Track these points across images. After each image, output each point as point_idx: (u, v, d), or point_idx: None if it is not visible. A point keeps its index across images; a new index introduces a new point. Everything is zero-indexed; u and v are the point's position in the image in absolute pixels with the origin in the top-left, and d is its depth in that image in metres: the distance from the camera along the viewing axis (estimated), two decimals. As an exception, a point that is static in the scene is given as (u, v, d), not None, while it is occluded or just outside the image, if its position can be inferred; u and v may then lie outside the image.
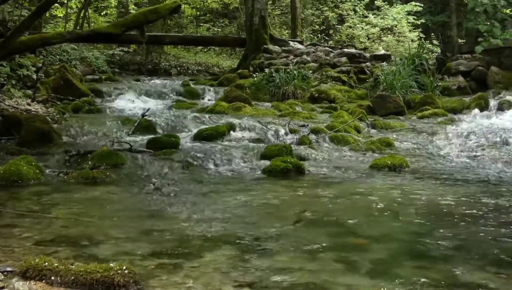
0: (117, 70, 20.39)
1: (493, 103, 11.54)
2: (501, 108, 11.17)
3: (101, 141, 7.81)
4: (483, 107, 11.36)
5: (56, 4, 22.50)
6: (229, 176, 6.26)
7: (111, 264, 2.90)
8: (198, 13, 27.96)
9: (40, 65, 12.15)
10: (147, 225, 4.20)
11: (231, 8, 27.67)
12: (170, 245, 3.69)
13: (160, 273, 3.15)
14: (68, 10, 22.88)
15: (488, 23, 13.39)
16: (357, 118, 9.99)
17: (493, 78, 13.36)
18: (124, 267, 2.86)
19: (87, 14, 21.79)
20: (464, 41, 17.78)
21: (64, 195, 5.22)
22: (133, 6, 23.69)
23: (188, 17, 28.02)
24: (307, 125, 9.06)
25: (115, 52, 21.20)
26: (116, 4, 25.09)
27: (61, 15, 23.25)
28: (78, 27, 20.33)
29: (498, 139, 8.57)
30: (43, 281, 2.80)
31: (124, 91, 13.51)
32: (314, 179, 6.17)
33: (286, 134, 8.60)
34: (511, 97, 11.77)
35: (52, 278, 2.81)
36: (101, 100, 12.40)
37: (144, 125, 8.64)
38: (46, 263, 2.87)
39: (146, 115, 9.03)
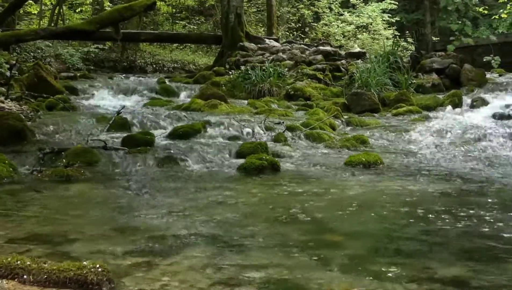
0: (92, 68, 20.25)
1: (466, 100, 11.66)
2: (474, 105, 11.29)
3: (76, 138, 7.77)
4: (457, 104, 11.47)
5: (30, 1, 22.32)
6: (204, 174, 6.26)
7: (85, 262, 2.88)
8: (174, 10, 27.88)
9: (14, 62, 12.02)
10: (122, 223, 4.18)
11: (207, 5, 27.60)
12: (145, 243, 3.68)
13: (134, 271, 3.14)
14: (43, 7, 22.69)
15: (460, 22, 13.51)
16: (333, 115, 10.03)
17: (466, 75, 13.50)
18: (97, 265, 2.84)
19: (61, 11, 21.61)
20: (438, 39, 17.96)
21: (37, 193, 5.18)
22: (108, 3, 23.54)
23: (164, 15, 27.91)
24: (283, 123, 9.08)
25: (90, 50, 21.06)
26: (91, 1, 24.90)
27: (35, 12, 23.05)
28: (52, 24, 20.15)
29: (471, 136, 8.67)
30: (15, 280, 2.77)
31: (99, 88, 13.42)
32: (289, 176, 6.19)
33: (262, 131, 8.61)
34: (484, 95, 11.90)
35: (25, 276, 2.79)
36: (76, 98, 12.30)
37: (119, 122, 8.60)
38: (19, 262, 2.84)
39: (121, 113, 8.99)
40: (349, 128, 9.75)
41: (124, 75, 18.42)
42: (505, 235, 4.04)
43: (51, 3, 22.51)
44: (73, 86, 13.28)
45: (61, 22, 21.39)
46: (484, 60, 12.75)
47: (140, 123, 8.84)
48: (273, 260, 3.42)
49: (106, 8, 21.78)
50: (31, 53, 16.52)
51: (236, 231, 4.02)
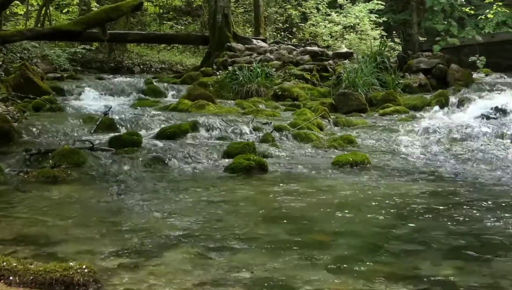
0: (79, 68, 20.16)
1: (453, 100, 11.70)
2: (461, 105, 11.33)
3: (63, 139, 7.73)
4: (444, 104, 11.51)
5: (17, 1, 22.18)
6: (192, 174, 6.25)
7: (71, 263, 2.88)
8: (161, 11, 27.81)
9: (0, 63, 11.96)
10: (109, 224, 4.17)
11: (194, 6, 27.55)
12: (131, 243, 3.68)
13: (120, 271, 3.14)
14: (29, 7, 22.56)
15: (446, 22, 13.57)
16: (320, 115, 10.05)
17: (453, 75, 13.57)
18: (84, 266, 2.84)
19: (48, 11, 21.46)
20: (425, 39, 18.02)
21: (24, 195, 5.16)
22: (95, 4, 23.45)
23: (151, 15, 27.84)
24: (270, 123, 9.07)
25: (77, 50, 20.96)
26: (78, 1, 24.80)
27: (22, 12, 22.91)
28: (39, 25, 20.00)
29: (458, 136, 8.70)
30: (1, 281, 2.76)
31: (86, 89, 13.36)
32: (277, 176, 6.19)
33: (249, 131, 8.61)
34: (470, 95, 11.96)
35: (11, 278, 2.78)
36: (63, 99, 12.24)
37: (106, 123, 8.57)
38: (5, 263, 2.84)
39: (108, 114, 8.96)
40: (336, 128, 9.76)
41: (111, 75, 18.33)
42: (492, 234, 4.07)
43: (38, 4, 22.37)
44: (60, 87, 13.21)
45: (48, 22, 21.25)
46: (470, 60, 12.82)
47: (128, 123, 8.80)
48: (260, 260, 3.43)
49: (93, 8, 21.66)
50: (18, 54, 16.43)
51: (224, 231, 4.03)
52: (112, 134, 7.78)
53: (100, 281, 2.87)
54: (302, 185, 5.68)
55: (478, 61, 12.02)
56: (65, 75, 16.56)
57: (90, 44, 22.29)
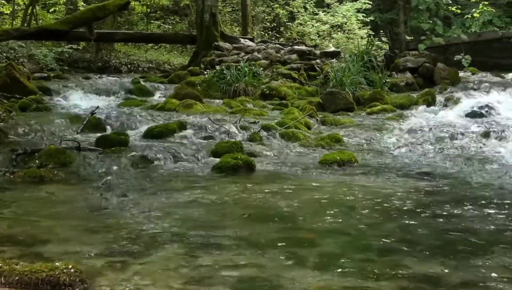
0: (66, 68, 20.04)
1: (440, 99, 11.75)
2: (447, 104, 11.38)
3: (49, 139, 7.70)
4: (430, 103, 11.56)
5: (3, 1, 22.06)
6: (179, 174, 6.24)
7: (57, 263, 2.88)
8: (149, 10, 27.73)
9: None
10: (95, 224, 4.16)
11: (181, 5, 27.48)
12: (118, 243, 3.67)
13: (107, 271, 3.13)
14: (15, 7, 22.43)
15: (431, 21, 13.62)
16: (308, 114, 10.06)
17: (439, 74, 13.62)
18: (70, 266, 2.84)
19: (34, 11, 21.35)
20: (412, 38, 18.09)
21: (10, 195, 5.14)
22: (82, 3, 23.34)
23: (139, 14, 27.75)
24: (258, 122, 9.08)
25: (64, 50, 20.84)
26: (64, 1, 24.68)
27: (8, 12, 22.77)
28: (25, 24, 19.90)
29: (444, 134, 8.75)
30: (-13, 282, 2.76)
31: (73, 89, 13.30)
32: (264, 175, 6.20)
33: (237, 131, 8.60)
34: (457, 93, 12.02)
35: (-4, 278, 2.77)
36: (50, 98, 12.18)
37: (93, 123, 8.54)
38: (-10, 264, 2.83)
39: (95, 113, 8.92)
40: (324, 127, 9.78)
41: (98, 75, 18.22)
42: (477, 231, 4.10)
43: (24, 3, 22.25)
44: (47, 87, 13.13)
45: (34, 22, 21.15)
46: (455, 59, 12.87)
47: (115, 123, 8.79)
48: (247, 259, 3.44)
49: (80, 8, 21.56)
50: (4, 54, 16.32)
51: (211, 230, 4.03)
52: (99, 134, 7.76)
53: (86, 281, 2.86)
54: (289, 184, 5.69)
55: (463, 60, 12.06)
56: (52, 74, 16.46)
57: (77, 44, 22.18)
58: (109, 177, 5.86)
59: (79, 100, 12.20)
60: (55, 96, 12.63)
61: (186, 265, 3.29)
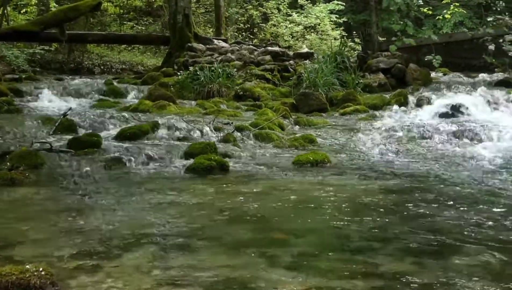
0: (38, 69, 19.83)
1: (412, 99, 11.86)
2: (419, 104, 11.49)
3: (20, 141, 7.61)
4: (402, 103, 11.66)
5: (-27, 2, 21.78)
6: (152, 175, 6.21)
7: (27, 266, 2.85)
8: (122, 11, 27.59)
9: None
10: (67, 226, 4.13)
11: (155, 6, 27.39)
12: (90, 245, 3.65)
13: (79, 273, 3.11)
14: (-14, 7, 22.15)
15: (402, 22, 13.72)
16: (281, 115, 10.08)
17: (411, 75, 13.76)
18: (40, 269, 2.82)
19: (6, 11, 21.12)
20: (385, 39, 18.22)
21: (-20, 198, 5.08)
22: (54, 4, 23.14)
23: (112, 15, 27.60)
24: (232, 123, 9.08)
25: (36, 51, 20.63)
26: (36, 1, 24.45)
27: (-22, 12, 22.49)
28: (-4, 25, 19.69)
29: (416, 134, 8.84)
30: (-44, 286, 2.72)
31: (46, 90, 13.18)
32: (238, 176, 6.20)
33: (210, 132, 8.59)
34: (428, 94, 12.14)
35: (-35, 282, 2.74)
36: (21, 100, 12.06)
37: (65, 124, 8.47)
38: (-41, 267, 2.79)
39: (67, 115, 8.85)
40: (297, 127, 9.82)
41: (71, 76, 18.09)
42: (448, 230, 4.14)
43: (-5, 4, 22.02)
44: (18, 88, 13.00)
45: (6, 23, 20.92)
46: (426, 59, 13.00)
47: (87, 125, 8.72)
48: (220, 260, 3.44)
49: (52, 8, 21.35)
50: (-26, 55, 16.14)
51: (183, 231, 4.02)
52: (71, 136, 7.70)
53: (57, 283, 2.84)
54: (263, 185, 5.70)
55: (434, 60, 12.19)
56: (24, 76, 16.28)
57: (49, 45, 21.96)
58: (81, 179, 5.82)
59: (51, 101, 12.10)
60: (27, 97, 12.51)
61: (159, 267, 3.28)
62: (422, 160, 7.30)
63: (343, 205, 4.90)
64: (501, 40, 11.97)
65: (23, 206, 4.84)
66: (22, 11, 24.74)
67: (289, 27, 24.41)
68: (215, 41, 18.07)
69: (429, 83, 13.48)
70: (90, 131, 8.29)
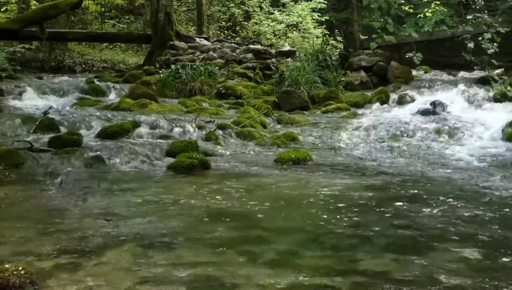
0: (18, 68, 19.67)
1: (393, 97, 11.92)
2: (400, 102, 11.56)
3: (0, 140, 7.55)
4: (384, 101, 11.72)
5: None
6: (134, 174, 6.20)
7: (7, 265, 2.83)
8: (103, 9, 27.43)
9: None
10: (47, 225, 4.11)
11: (136, 4, 27.27)
12: (70, 244, 3.63)
13: (59, 272, 3.10)
14: (-35, 5, 21.96)
15: (382, 20, 13.77)
16: (263, 113, 10.10)
17: (393, 73, 13.82)
18: (20, 268, 2.80)
19: (-15, 10, 20.97)
20: (366, 37, 18.28)
21: (-41, 197, 5.03)
22: (35, 2, 22.95)
23: (93, 13, 27.44)
24: (214, 121, 9.08)
25: (17, 49, 20.47)
26: (16, -1, 24.26)
27: (-43, 10, 22.29)
28: (-25, 23, 19.49)
29: (397, 132, 8.89)
30: None
31: (26, 89, 13.08)
32: (220, 174, 6.20)
33: (192, 130, 8.58)
34: (409, 91, 12.21)
35: None
36: (1, 99, 11.95)
37: (46, 123, 8.41)
38: None
39: (48, 113, 8.79)
40: (279, 125, 9.84)
41: (52, 75, 17.97)
42: (428, 227, 4.17)
43: (-26, 2, 21.83)
44: (-2, 87, 12.91)
45: (-15, 21, 20.74)
46: (407, 56, 13.07)
47: (68, 123, 8.66)
48: (201, 257, 3.44)
49: (32, 6, 21.15)
50: (-47, 54, 15.98)
51: (164, 230, 4.02)
52: (52, 134, 7.66)
53: (37, 282, 2.83)
54: (245, 183, 5.71)
55: (414, 57, 12.26)
56: (4, 74, 16.14)
57: (30, 43, 21.80)
58: (62, 178, 5.79)
59: (32, 100, 12.01)
60: (7, 96, 12.40)
61: (140, 265, 3.27)
62: (402, 157, 7.36)
63: (324, 203, 4.92)
64: (480, 38, 12.04)
65: (3, 206, 4.80)
66: (2, 9, 24.54)
67: (271, 25, 24.41)
68: (197, 39, 18.02)
69: (411, 81, 13.55)
70: (71, 130, 8.24)
